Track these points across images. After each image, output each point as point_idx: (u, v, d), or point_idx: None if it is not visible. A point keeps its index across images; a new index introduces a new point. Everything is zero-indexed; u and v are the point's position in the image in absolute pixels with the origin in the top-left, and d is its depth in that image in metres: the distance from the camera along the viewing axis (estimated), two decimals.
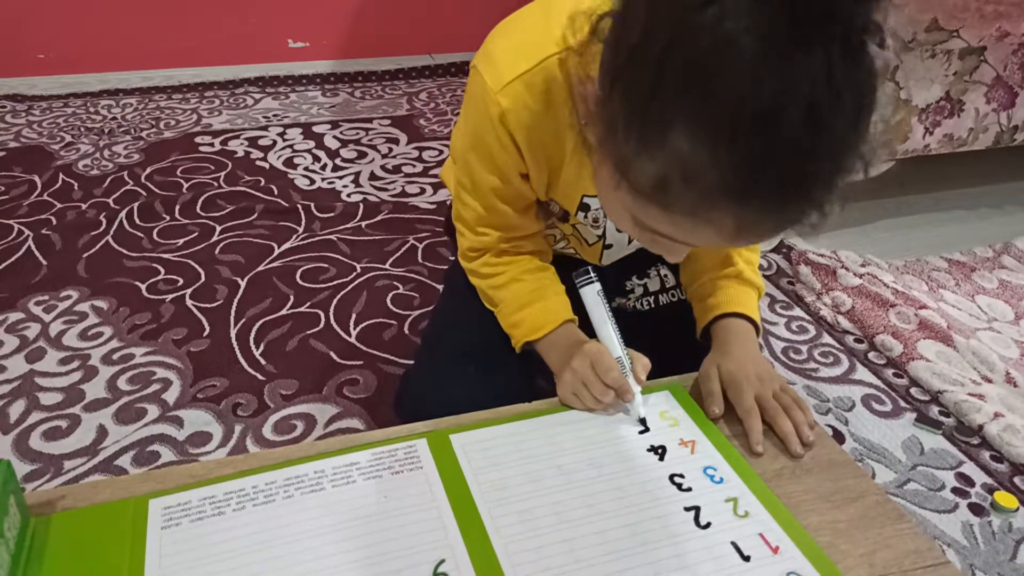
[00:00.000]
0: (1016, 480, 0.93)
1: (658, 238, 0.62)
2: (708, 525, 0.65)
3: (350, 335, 1.12)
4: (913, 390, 1.05)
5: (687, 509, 0.67)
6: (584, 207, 0.80)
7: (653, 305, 0.95)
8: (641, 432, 0.75)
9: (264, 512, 0.65)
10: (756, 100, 0.44)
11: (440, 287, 1.22)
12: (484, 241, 0.83)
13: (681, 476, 0.70)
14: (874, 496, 0.69)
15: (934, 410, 1.01)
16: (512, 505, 0.66)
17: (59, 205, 1.48)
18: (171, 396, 0.98)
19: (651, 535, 0.64)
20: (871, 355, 1.12)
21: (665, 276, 0.96)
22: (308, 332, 1.12)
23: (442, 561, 0.61)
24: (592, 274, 0.77)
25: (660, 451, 0.73)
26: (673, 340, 0.87)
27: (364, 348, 1.09)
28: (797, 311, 1.22)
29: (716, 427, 0.76)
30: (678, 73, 0.46)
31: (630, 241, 0.87)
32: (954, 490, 0.90)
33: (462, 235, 0.85)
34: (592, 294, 0.77)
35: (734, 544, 0.63)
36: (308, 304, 1.19)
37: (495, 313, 0.86)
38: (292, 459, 0.71)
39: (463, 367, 0.85)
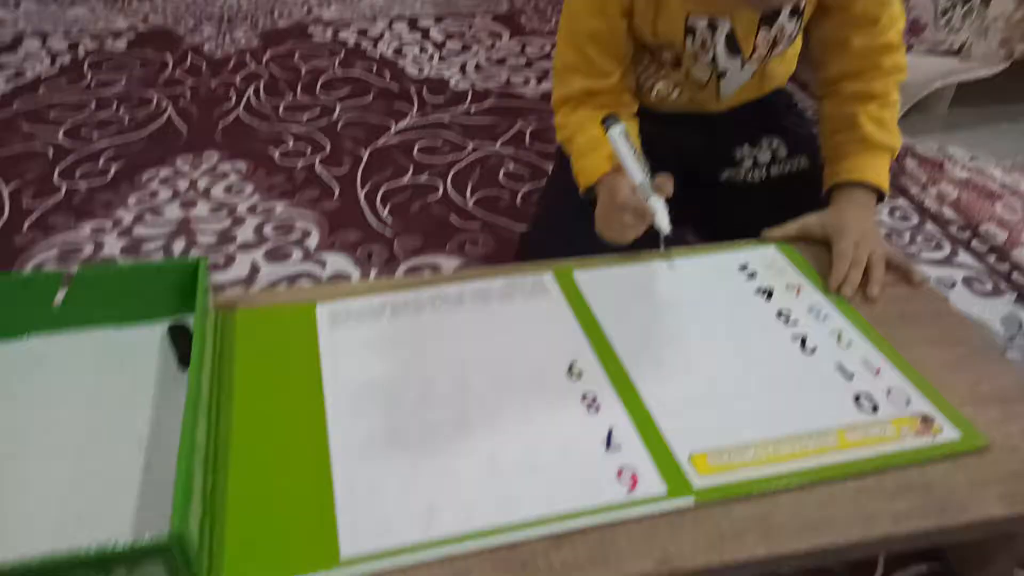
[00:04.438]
0: None
1: None
2: (814, 350, 0.71)
3: (467, 203, 1.20)
4: (1015, 275, 1.07)
5: (794, 338, 0.73)
6: (690, 31, 0.85)
7: (765, 176, 0.99)
8: (743, 271, 0.82)
9: (416, 319, 0.74)
10: None
11: (548, 166, 1.29)
12: (568, 91, 0.89)
13: (788, 312, 0.76)
14: (979, 341, 0.74)
15: None
16: (631, 327, 0.74)
17: (191, 81, 1.59)
18: (311, 243, 1.09)
19: (760, 356, 0.71)
20: (974, 242, 1.13)
21: (776, 148, 0.99)
22: (428, 199, 1.20)
23: (575, 361, 0.69)
24: (616, 117, 0.81)
25: (767, 293, 0.79)
26: (785, 210, 0.91)
27: (481, 214, 1.17)
28: (901, 201, 1.24)
29: (820, 277, 0.81)
30: None
31: (743, 66, 0.90)
32: None
33: (554, 88, 0.92)
34: (616, 134, 0.81)
35: (839, 365, 0.70)
36: (426, 175, 1.27)
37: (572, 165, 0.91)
38: (437, 280, 0.80)
39: (584, 219, 0.91)
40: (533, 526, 0.55)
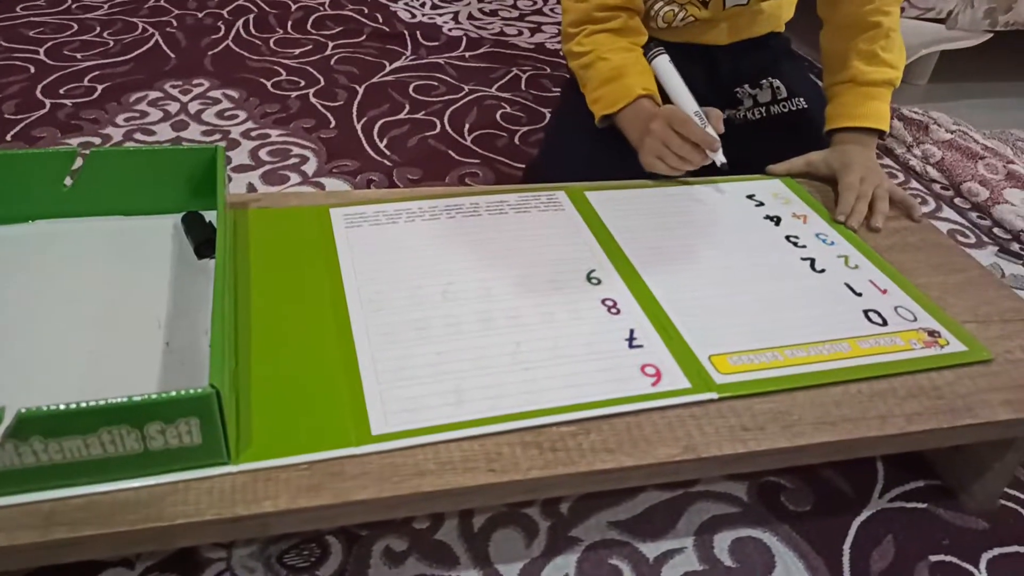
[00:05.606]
0: None
1: None
2: (823, 271, 0.73)
3: (465, 139, 1.19)
4: (996, 230, 1.10)
5: (803, 259, 0.75)
6: None
7: (764, 115, 1.00)
8: (750, 199, 0.83)
9: (430, 226, 0.74)
10: None
11: (545, 111, 1.29)
12: (582, 8, 0.89)
13: (796, 237, 0.78)
14: (977, 270, 0.76)
15: (1015, 246, 1.07)
16: (645, 243, 0.74)
17: (176, 11, 1.55)
18: (310, 168, 1.07)
19: (771, 272, 0.72)
20: (957, 200, 1.17)
21: (777, 88, 1.01)
22: (426, 134, 1.19)
23: (593, 270, 0.70)
24: (661, 47, 0.85)
25: (776, 220, 0.81)
26: (783, 149, 0.92)
27: (480, 151, 1.16)
28: (886, 160, 1.27)
29: (825, 209, 0.83)
30: None
31: None
32: None
33: (566, 12, 0.92)
34: (663, 63, 0.83)
35: (847, 285, 0.71)
36: (423, 112, 1.26)
37: (585, 94, 0.91)
38: (450, 193, 0.79)
39: (594, 148, 0.92)
40: (562, 411, 0.55)
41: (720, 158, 0.81)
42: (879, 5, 0.86)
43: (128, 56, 1.34)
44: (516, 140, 1.21)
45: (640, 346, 0.62)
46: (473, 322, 0.62)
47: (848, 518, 0.66)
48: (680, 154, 0.80)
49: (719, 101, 1.01)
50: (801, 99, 1.00)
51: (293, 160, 1.09)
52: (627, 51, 0.90)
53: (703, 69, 0.99)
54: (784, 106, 1.00)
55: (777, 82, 1.01)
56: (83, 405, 0.43)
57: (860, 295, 0.70)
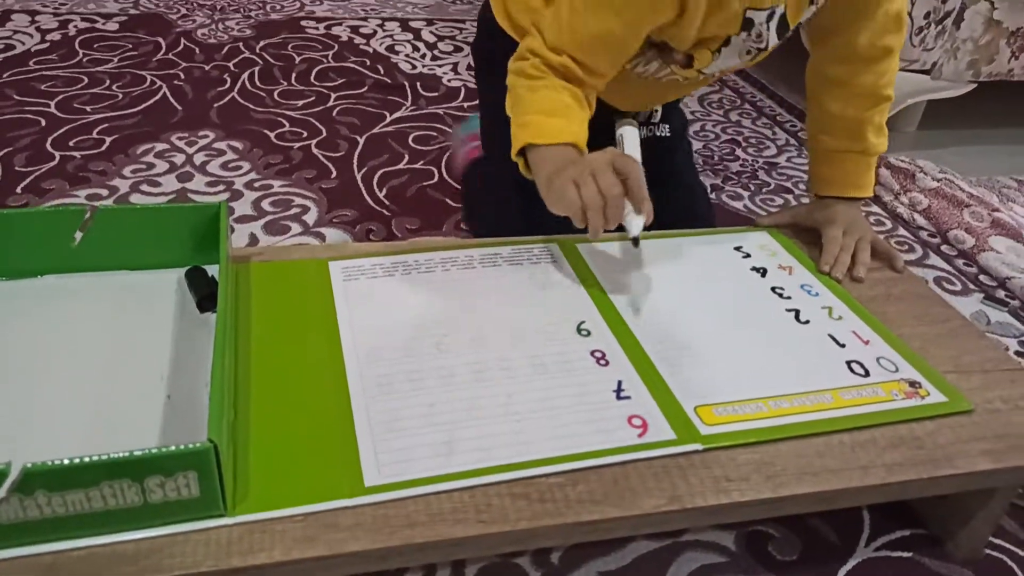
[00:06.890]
0: None
1: None
2: (807, 322, 0.75)
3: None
4: (982, 277, 1.13)
5: (788, 310, 0.77)
6: (747, 23, 0.78)
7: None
8: (737, 251, 0.86)
9: (426, 278, 0.76)
10: None
11: None
12: (550, 59, 0.79)
13: (781, 289, 0.80)
14: (959, 320, 0.78)
15: (1000, 293, 1.09)
16: (633, 294, 0.77)
17: (184, 64, 1.60)
18: (310, 218, 1.10)
19: (757, 324, 0.74)
20: (943, 247, 1.20)
21: (655, 111, 1.02)
22: (425, 183, 1.23)
23: (583, 321, 0.72)
24: (631, 119, 0.87)
25: (762, 271, 0.83)
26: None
27: None
28: (874, 208, 1.30)
29: (809, 260, 0.85)
30: None
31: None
32: (1017, 353, 0.99)
33: (532, 36, 0.80)
34: (631, 132, 0.86)
35: (831, 336, 0.73)
36: (422, 162, 1.29)
37: (512, 115, 0.80)
38: (446, 245, 0.82)
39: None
40: (550, 463, 0.57)
41: (638, 228, 0.72)
42: (890, 78, 0.87)
43: (136, 108, 1.39)
44: None
45: (628, 397, 0.63)
46: (466, 373, 0.64)
47: (835, 567, 0.67)
48: (604, 188, 0.69)
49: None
50: (667, 126, 1.03)
51: (295, 210, 1.12)
52: (578, 102, 0.80)
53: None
54: (651, 130, 1.02)
55: (657, 106, 1.03)
56: (87, 459, 0.45)
57: (843, 346, 0.72)
